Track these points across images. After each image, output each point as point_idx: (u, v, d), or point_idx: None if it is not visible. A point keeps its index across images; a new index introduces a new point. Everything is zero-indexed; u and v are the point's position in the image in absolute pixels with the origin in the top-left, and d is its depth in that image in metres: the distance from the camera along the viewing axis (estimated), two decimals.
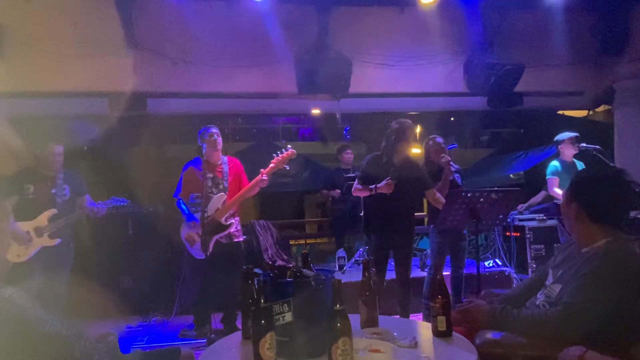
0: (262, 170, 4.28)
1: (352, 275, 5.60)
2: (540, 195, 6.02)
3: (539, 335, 1.93)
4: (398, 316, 4.14)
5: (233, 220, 4.40)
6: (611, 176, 2.07)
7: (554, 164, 5.39)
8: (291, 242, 7.30)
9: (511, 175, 9.23)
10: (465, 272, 4.83)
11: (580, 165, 5.41)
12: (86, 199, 4.36)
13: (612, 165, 5.32)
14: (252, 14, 5.57)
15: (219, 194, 4.34)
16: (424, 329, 2.21)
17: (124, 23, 5.40)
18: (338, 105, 6.38)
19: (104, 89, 5.53)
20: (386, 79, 6.14)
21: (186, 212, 4.40)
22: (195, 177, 4.34)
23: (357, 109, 7.24)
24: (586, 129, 7.67)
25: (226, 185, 4.42)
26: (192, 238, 4.31)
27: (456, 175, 4.81)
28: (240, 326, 2.27)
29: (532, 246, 5.82)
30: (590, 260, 1.94)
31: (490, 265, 6.11)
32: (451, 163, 4.62)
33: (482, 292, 2.57)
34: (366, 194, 4.19)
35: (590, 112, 8.87)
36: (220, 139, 4.45)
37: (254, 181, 4.32)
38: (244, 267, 2.24)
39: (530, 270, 5.75)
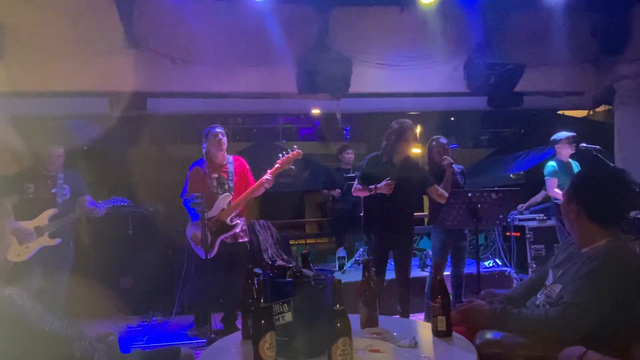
0: (268, 170, 4.28)
1: (352, 275, 5.60)
2: (540, 195, 6.02)
3: (539, 335, 1.93)
4: (398, 316, 4.14)
5: (238, 221, 4.38)
6: (611, 176, 2.07)
7: (551, 164, 5.39)
8: (291, 242, 7.29)
9: (511, 175, 9.22)
10: (465, 272, 4.84)
11: (575, 165, 5.41)
12: (87, 199, 4.36)
13: (613, 165, 5.32)
14: (252, 14, 5.57)
15: (224, 194, 4.33)
16: (424, 329, 2.21)
17: (124, 23, 5.41)
18: (338, 105, 6.38)
19: (104, 88, 5.53)
20: (386, 78, 6.14)
21: (192, 211, 4.39)
22: (200, 177, 4.33)
23: (357, 108, 7.24)
24: (586, 129, 7.68)
25: (231, 185, 4.41)
26: (198, 237, 4.30)
27: (459, 177, 4.81)
28: (240, 326, 2.27)
29: (532, 246, 5.83)
30: (590, 261, 1.94)
31: (491, 265, 6.11)
32: (453, 165, 4.63)
33: (482, 292, 2.57)
34: (366, 194, 4.19)
35: (591, 112, 8.88)
36: (225, 139, 4.43)
37: (259, 181, 4.32)
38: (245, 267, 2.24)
39: (530, 270, 5.75)
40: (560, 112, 8.72)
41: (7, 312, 1.57)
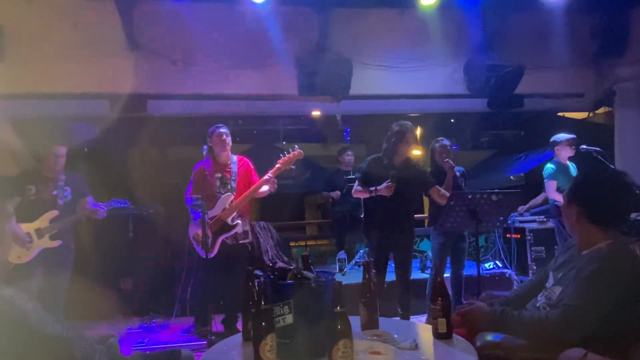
0: (270, 170, 4.28)
1: (352, 277, 5.60)
2: (541, 197, 6.02)
3: (539, 337, 1.93)
4: (398, 318, 4.14)
5: (239, 221, 4.38)
6: (612, 178, 2.07)
7: (550, 166, 5.38)
8: (291, 244, 7.29)
9: (511, 177, 9.21)
10: (465, 273, 4.83)
11: (573, 167, 5.41)
12: (89, 200, 4.37)
13: (613, 167, 5.31)
14: (252, 16, 5.58)
15: (226, 194, 4.33)
16: (425, 331, 2.20)
17: (124, 25, 5.42)
18: (338, 107, 6.39)
19: (105, 90, 5.54)
20: (386, 80, 6.15)
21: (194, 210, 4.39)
22: (203, 177, 4.33)
23: (357, 110, 7.23)
24: (586, 131, 7.68)
25: (234, 185, 4.41)
26: (200, 237, 4.30)
27: (460, 179, 4.81)
28: (240, 328, 2.27)
29: (532, 248, 5.82)
30: (590, 263, 1.94)
31: (491, 267, 6.11)
32: (455, 167, 4.63)
33: (483, 294, 2.57)
34: (366, 195, 4.19)
35: (591, 114, 8.86)
36: (229, 139, 4.43)
37: (259, 182, 4.32)
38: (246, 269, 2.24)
39: (530, 272, 5.74)
40: (560, 114, 8.71)
41: (8, 313, 1.57)
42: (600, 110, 7.95)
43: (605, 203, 2.01)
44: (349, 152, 6.99)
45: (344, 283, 1.81)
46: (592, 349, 1.75)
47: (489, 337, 2.05)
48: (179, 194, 4.58)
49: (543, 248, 5.79)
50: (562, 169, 5.33)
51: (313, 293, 1.89)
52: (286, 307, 1.85)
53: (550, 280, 2.17)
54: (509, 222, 5.88)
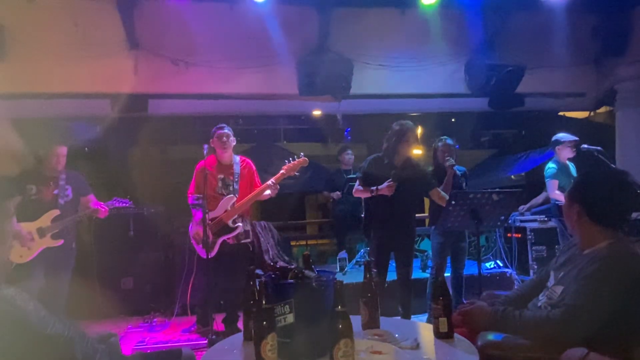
0: (273, 177, 4.27)
1: (353, 276, 5.60)
2: (541, 197, 6.01)
3: (540, 336, 1.93)
4: (399, 317, 4.14)
5: (240, 223, 4.38)
6: (613, 178, 2.07)
7: (552, 166, 5.38)
8: (292, 243, 7.29)
9: (512, 177, 9.22)
10: (466, 273, 4.83)
11: (572, 167, 5.41)
12: (90, 199, 4.37)
13: (614, 166, 5.31)
14: (253, 15, 5.58)
15: (228, 196, 4.33)
16: (426, 331, 2.20)
17: (125, 24, 5.41)
18: (339, 107, 6.38)
19: (105, 90, 5.54)
20: (387, 80, 6.14)
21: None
22: (205, 177, 4.32)
23: (358, 110, 7.23)
24: (587, 131, 7.68)
25: (236, 187, 4.40)
26: (200, 236, 4.30)
27: (461, 179, 4.81)
28: (241, 327, 2.27)
29: (533, 247, 5.81)
30: (592, 262, 1.94)
31: (492, 266, 6.11)
32: (456, 167, 4.62)
33: (484, 294, 2.57)
34: (367, 195, 4.19)
35: (592, 114, 8.85)
36: (231, 140, 4.41)
37: (262, 187, 4.32)
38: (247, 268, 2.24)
39: (531, 271, 5.74)
40: (561, 113, 8.71)
41: (9, 313, 1.57)
42: (601, 110, 7.94)
43: (606, 202, 2.01)
44: (349, 152, 6.99)
45: (344, 282, 1.81)
46: (594, 349, 1.75)
47: (490, 336, 2.05)
48: (180, 194, 4.58)
49: (544, 247, 5.79)
50: (563, 168, 5.33)
51: (314, 292, 1.89)
52: (287, 306, 1.85)
53: (552, 280, 2.17)
54: (509, 221, 5.88)
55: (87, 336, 1.79)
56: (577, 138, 5.34)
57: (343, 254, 6.18)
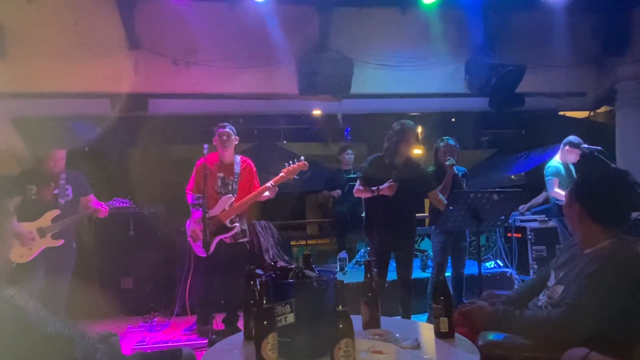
0: (272, 179, 4.27)
1: (353, 276, 5.60)
2: (541, 197, 6.01)
3: (541, 336, 1.93)
4: (399, 317, 4.14)
5: (237, 223, 4.38)
6: (614, 177, 2.07)
7: (555, 165, 5.37)
8: (292, 243, 7.30)
9: (512, 177, 9.21)
10: (466, 273, 4.83)
11: (572, 168, 5.41)
12: (91, 199, 4.37)
13: (615, 166, 5.31)
14: (253, 15, 5.57)
15: (227, 196, 4.33)
16: (426, 330, 2.20)
17: (125, 24, 5.41)
18: (339, 106, 6.38)
19: (105, 89, 5.54)
20: (387, 79, 6.14)
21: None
22: (204, 176, 4.30)
23: (358, 109, 7.23)
24: (587, 130, 7.68)
25: (235, 187, 4.40)
26: (197, 235, 4.31)
27: (462, 179, 4.80)
28: (242, 327, 2.27)
29: (533, 247, 5.82)
30: (593, 262, 1.94)
31: (492, 266, 6.10)
32: (456, 167, 4.62)
33: (484, 293, 2.57)
34: (368, 195, 4.18)
35: (592, 113, 8.86)
36: (231, 138, 4.40)
37: (261, 188, 4.31)
38: (246, 268, 2.24)
39: (531, 271, 5.74)
40: (561, 113, 8.71)
41: (9, 313, 1.57)
42: (602, 110, 7.96)
43: (607, 202, 2.01)
44: (349, 151, 6.99)
45: (345, 282, 1.81)
46: (595, 349, 1.75)
47: (491, 336, 2.05)
48: (180, 193, 4.57)
49: (544, 247, 5.79)
50: (564, 168, 5.33)
51: (315, 292, 1.89)
52: (288, 306, 1.84)
53: (552, 279, 2.17)
54: (510, 221, 5.88)
55: (87, 336, 1.79)
56: (588, 148, 5.29)
57: (343, 254, 6.18)
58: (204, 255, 4.18)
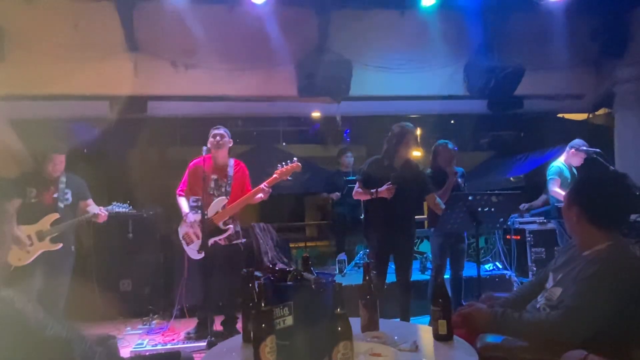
0: (266, 180, 4.28)
1: (352, 278, 5.59)
2: (540, 200, 6.02)
3: (539, 338, 1.93)
4: (398, 319, 4.13)
5: (231, 225, 4.40)
6: (612, 180, 2.07)
7: (558, 165, 5.38)
8: (291, 245, 7.28)
9: (511, 179, 9.22)
10: (465, 275, 4.83)
11: (575, 172, 5.42)
12: (90, 203, 4.37)
13: (613, 168, 5.31)
14: (252, 17, 5.58)
15: (220, 198, 4.34)
16: (425, 333, 2.20)
17: (124, 26, 5.41)
18: (338, 108, 6.38)
19: (105, 91, 5.54)
20: (386, 81, 6.15)
21: (185, 210, 4.40)
22: (198, 176, 4.32)
23: (357, 111, 7.24)
24: (586, 132, 7.67)
25: (229, 189, 4.41)
26: (190, 237, 4.32)
27: (459, 179, 4.81)
28: (240, 329, 2.27)
29: (532, 249, 5.82)
30: (591, 264, 1.94)
31: (491, 268, 6.11)
32: (455, 168, 4.63)
33: (483, 296, 2.57)
34: (367, 197, 4.19)
35: (591, 115, 8.87)
36: (225, 140, 4.42)
37: (254, 190, 4.31)
38: (244, 270, 2.24)
39: (530, 273, 5.74)
40: (560, 115, 8.72)
41: (7, 315, 1.57)
42: (600, 112, 7.96)
43: (605, 205, 2.01)
44: (349, 154, 6.99)
45: (344, 284, 1.81)
46: (593, 351, 1.74)
47: (490, 338, 2.05)
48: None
49: (543, 249, 5.79)
50: (567, 170, 5.34)
51: (313, 295, 1.89)
52: (286, 308, 1.84)
53: (550, 281, 2.17)
54: (508, 223, 5.88)
55: (86, 339, 1.78)
56: (595, 153, 5.30)
57: (342, 256, 6.18)
58: (197, 257, 4.19)
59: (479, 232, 3.89)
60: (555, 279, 2.14)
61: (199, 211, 4.18)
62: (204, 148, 4.32)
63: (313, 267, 2.12)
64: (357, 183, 4.34)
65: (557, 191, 5.23)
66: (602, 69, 6.64)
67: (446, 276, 4.72)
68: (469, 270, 4.97)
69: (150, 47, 5.57)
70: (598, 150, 5.21)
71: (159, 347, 4.36)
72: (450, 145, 4.77)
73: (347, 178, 6.54)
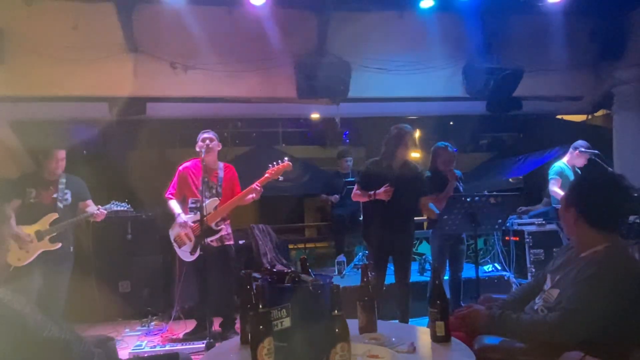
0: (257, 180, 4.31)
1: (351, 279, 5.60)
2: (540, 206, 6.03)
3: (537, 340, 1.93)
4: (397, 321, 4.14)
5: (223, 226, 4.45)
6: (610, 181, 2.07)
7: (560, 165, 5.39)
8: (290, 247, 7.28)
9: (510, 180, 9.23)
10: (464, 276, 4.83)
11: (578, 172, 5.43)
12: (89, 204, 4.38)
13: (611, 170, 5.32)
14: (251, 18, 5.59)
15: (212, 199, 4.37)
16: (423, 334, 2.20)
17: (123, 28, 5.42)
18: (337, 110, 6.38)
19: (104, 93, 5.54)
20: (385, 83, 6.15)
21: (177, 212, 4.43)
22: (189, 179, 4.40)
23: (356, 113, 7.25)
24: (585, 134, 7.69)
25: (220, 190, 4.46)
26: (182, 239, 4.36)
27: (458, 183, 4.80)
28: (238, 331, 2.27)
29: (531, 251, 5.82)
30: (588, 266, 1.94)
31: (490, 269, 6.11)
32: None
33: (481, 297, 2.57)
34: (365, 199, 4.19)
35: (589, 117, 8.89)
36: (213, 144, 4.46)
37: (247, 190, 4.34)
38: (243, 272, 2.25)
39: (529, 274, 5.74)
40: (559, 116, 8.74)
41: (5, 317, 1.57)
42: (599, 113, 7.97)
43: (603, 206, 2.01)
44: (349, 158, 6.97)
45: (343, 286, 1.82)
46: (590, 352, 1.75)
47: (487, 340, 2.05)
48: None
49: (542, 250, 5.79)
50: (569, 170, 5.35)
51: (311, 296, 1.89)
52: (284, 310, 1.85)
53: (548, 283, 2.17)
54: (507, 224, 5.89)
55: (84, 340, 1.79)
56: (595, 151, 5.31)
57: (341, 257, 6.18)
58: (190, 259, 4.23)
59: (478, 233, 3.89)
60: (553, 280, 2.14)
61: (198, 212, 4.19)
62: (203, 150, 4.35)
63: (312, 269, 2.13)
64: (356, 185, 4.34)
65: (557, 191, 5.23)
66: (600, 70, 6.64)
67: (445, 277, 4.72)
68: (467, 271, 4.97)
69: (150, 49, 5.57)
70: (597, 151, 5.21)
71: (157, 348, 4.36)
72: (450, 148, 4.76)
73: (346, 180, 6.54)
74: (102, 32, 5.44)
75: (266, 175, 4.31)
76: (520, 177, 9.14)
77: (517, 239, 6.02)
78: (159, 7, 5.40)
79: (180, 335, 4.61)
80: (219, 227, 4.40)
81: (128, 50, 5.50)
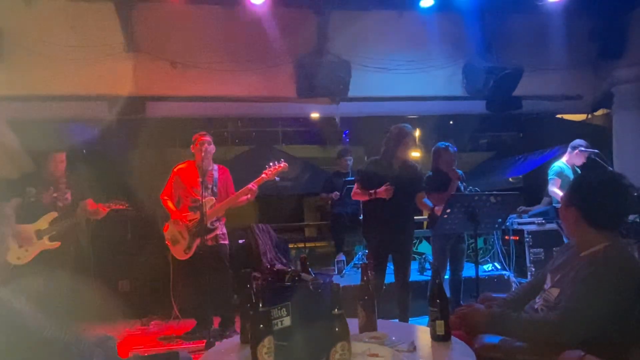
0: (253, 180, 4.34)
1: (351, 278, 5.60)
2: (543, 203, 6.02)
3: (537, 339, 1.93)
4: (397, 320, 4.14)
5: (218, 225, 4.48)
6: (610, 180, 2.07)
7: (560, 165, 5.38)
8: (290, 246, 7.28)
9: (510, 179, 9.24)
10: (464, 275, 4.83)
11: (578, 172, 5.42)
12: (89, 203, 4.38)
13: (611, 169, 5.32)
14: (251, 18, 5.58)
15: (208, 198, 4.39)
16: (423, 333, 2.20)
17: (123, 27, 5.42)
18: (337, 109, 6.39)
19: (103, 92, 5.54)
20: (385, 82, 6.15)
21: (172, 210, 4.46)
22: (185, 181, 4.44)
23: (356, 112, 7.24)
24: (584, 133, 7.68)
25: (215, 190, 4.49)
26: (176, 238, 4.37)
27: (460, 182, 4.80)
28: (238, 330, 2.27)
29: (531, 250, 5.81)
30: (588, 265, 1.94)
31: (490, 269, 6.11)
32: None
33: (481, 296, 2.57)
34: (365, 198, 4.19)
35: (589, 116, 8.88)
36: (210, 147, 4.48)
37: (242, 190, 4.37)
38: (243, 270, 2.25)
39: (529, 274, 5.74)
40: (558, 116, 8.73)
41: (5, 316, 1.57)
42: (599, 113, 7.97)
43: (603, 205, 2.00)
44: (347, 157, 6.97)
45: (343, 285, 1.82)
46: (590, 351, 1.75)
47: (487, 339, 2.05)
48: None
49: (542, 250, 5.78)
50: (569, 170, 5.34)
51: (311, 295, 1.89)
52: (284, 309, 1.84)
53: (548, 282, 2.17)
54: (507, 224, 5.88)
55: (84, 339, 1.79)
56: (595, 150, 5.31)
57: (341, 257, 6.18)
58: (183, 258, 4.27)
59: (478, 232, 3.89)
60: (553, 279, 2.14)
61: (198, 211, 4.21)
62: (202, 154, 4.37)
63: (312, 268, 2.13)
64: (356, 184, 4.34)
65: (556, 191, 5.23)
66: (600, 69, 6.65)
67: (446, 276, 4.72)
68: (467, 270, 4.97)
69: (149, 48, 5.57)
70: (596, 150, 5.21)
71: (157, 347, 4.36)
72: (450, 148, 4.76)
73: (346, 179, 6.54)
74: (102, 31, 5.44)
75: (262, 175, 4.36)
76: (520, 176, 9.16)
77: (517, 238, 6.01)
78: (159, 6, 5.40)
79: (180, 335, 4.61)
80: (214, 226, 4.43)
81: (127, 49, 5.50)
